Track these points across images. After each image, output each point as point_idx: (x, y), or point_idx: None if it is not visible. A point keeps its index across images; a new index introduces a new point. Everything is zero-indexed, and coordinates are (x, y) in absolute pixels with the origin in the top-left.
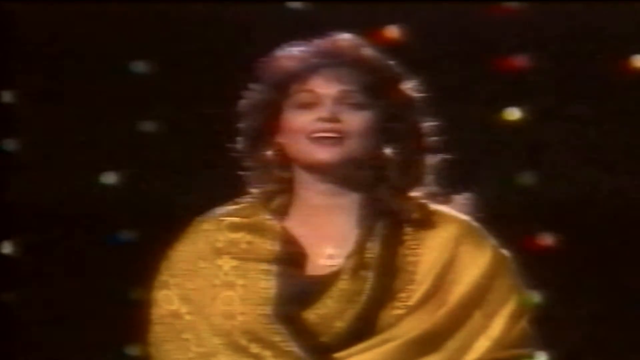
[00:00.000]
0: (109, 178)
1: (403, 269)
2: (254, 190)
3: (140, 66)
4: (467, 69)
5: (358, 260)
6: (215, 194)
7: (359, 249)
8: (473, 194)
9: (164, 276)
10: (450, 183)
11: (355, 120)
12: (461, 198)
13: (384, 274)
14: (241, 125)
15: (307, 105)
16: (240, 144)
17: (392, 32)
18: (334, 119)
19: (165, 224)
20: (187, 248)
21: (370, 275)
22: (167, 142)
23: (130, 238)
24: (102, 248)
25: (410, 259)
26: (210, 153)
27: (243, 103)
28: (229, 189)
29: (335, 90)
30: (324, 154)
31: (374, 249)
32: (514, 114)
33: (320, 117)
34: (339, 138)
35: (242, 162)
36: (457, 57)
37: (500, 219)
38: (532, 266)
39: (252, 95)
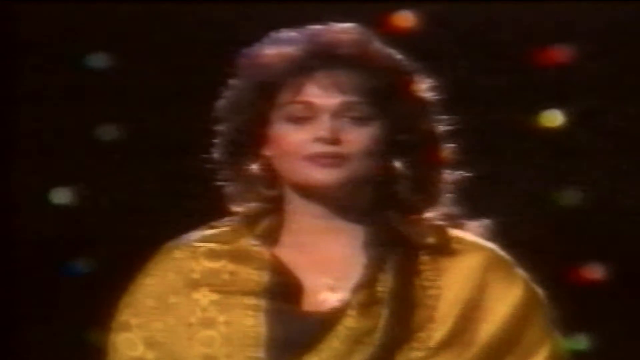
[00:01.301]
0: (61, 196)
1: (421, 305)
2: (234, 211)
3: (98, 60)
4: (496, 64)
5: (368, 293)
6: (189, 215)
7: (369, 280)
8: (493, 219)
9: (124, 316)
10: (473, 202)
11: (360, 137)
12: (476, 225)
13: (399, 310)
14: (219, 130)
15: (300, 120)
16: (217, 153)
17: (404, 18)
18: (334, 140)
19: (128, 251)
20: (154, 281)
21: (384, 311)
22: (131, 152)
23: (86, 268)
24: (53, 280)
25: (430, 292)
26: (182, 165)
27: (221, 104)
28: (205, 209)
29: (336, 101)
30: (321, 175)
31: (386, 280)
32: (553, 117)
33: (318, 137)
34: (340, 160)
35: (220, 176)
36: (483, 49)
37: (535, 246)
38: (575, 303)
39: (232, 94)
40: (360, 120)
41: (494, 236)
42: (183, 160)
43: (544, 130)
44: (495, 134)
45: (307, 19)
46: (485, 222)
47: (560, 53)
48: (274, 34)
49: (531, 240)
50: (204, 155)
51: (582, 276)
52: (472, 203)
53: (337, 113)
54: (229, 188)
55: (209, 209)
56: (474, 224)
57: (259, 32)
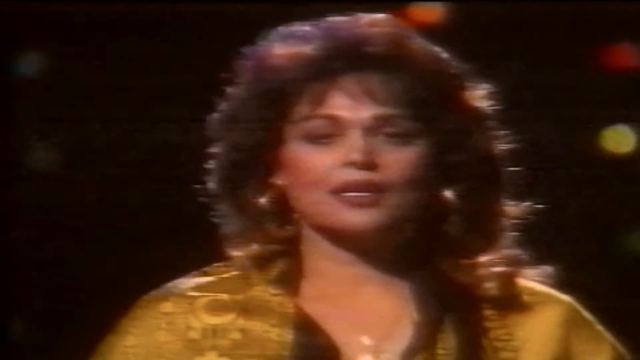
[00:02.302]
0: None
1: None
2: (236, 254)
3: (26, 65)
4: (559, 69)
5: (428, 357)
6: (174, 258)
7: (427, 341)
8: (556, 266)
9: None
10: (533, 243)
11: (400, 160)
12: (535, 273)
13: None
14: (214, 152)
15: (322, 139)
16: (213, 182)
17: (434, 11)
18: (369, 164)
19: (92, 306)
20: (138, 341)
21: None
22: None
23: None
24: None
25: (504, 355)
26: (165, 196)
27: (215, 119)
28: (195, 252)
29: (368, 114)
30: (355, 218)
31: (447, 341)
32: (621, 136)
33: (349, 161)
34: (378, 194)
35: (215, 211)
36: (533, 50)
37: (599, 298)
38: None
39: (230, 106)
40: (400, 139)
41: (558, 288)
42: (165, 191)
43: (608, 152)
44: (546, 158)
45: (310, 16)
46: (547, 269)
47: (630, 54)
48: (283, 29)
49: (594, 292)
50: (194, 185)
51: None
52: (533, 244)
53: (371, 129)
54: (227, 226)
55: (199, 251)
56: (532, 272)
57: (259, 27)
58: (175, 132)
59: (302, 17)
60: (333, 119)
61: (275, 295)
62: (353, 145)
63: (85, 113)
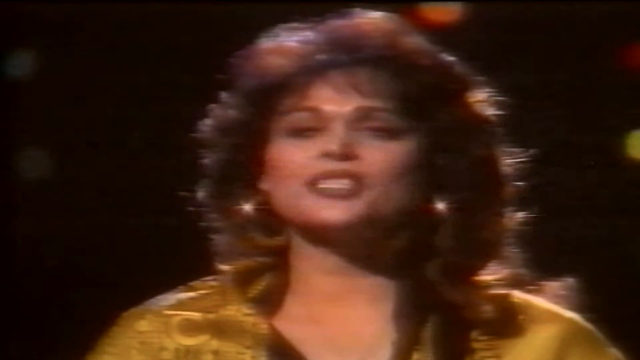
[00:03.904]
0: None
1: None
2: (224, 267)
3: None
4: (573, 68)
5: None
6: (160, 272)
7: None
8: (579, 278)
9: None
10: (543, 258)
11: (383, 154)
12: (558, 286)
13: None
14: (205, 159)
15: (305, 131)
16: (202, 190)
17: (449, 10)
18: (347, 154)
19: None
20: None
21: None
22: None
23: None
24: None
25: None
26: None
27: (207, 124)
28: (183, 264)
29: (351, 107)
30: (330, 211)
31: None
32: None
33: (326, 152)
34: (356, 185)
35: (205, 220)
36: (552, 49)
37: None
38: None
39: (223, 111)
40: (385, 133)
41: (584, 301)
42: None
43: (632, 160)
44: (564, 164)
45: (312, 15)
46: (569, 281)
47: None
48: (277, 27)
49: (616, 308)
50: (182, 192)
51: None
52: (542, 259)
53: (354, 122)
54: (216, 237)
55: (188, 263)
56: (553, 285)
57: (252, 29)
58: (172, 133)
59: (304, 17)
60: (316, 111)
61: (248, 315)
62: (332, 137)
63: (81, 113)
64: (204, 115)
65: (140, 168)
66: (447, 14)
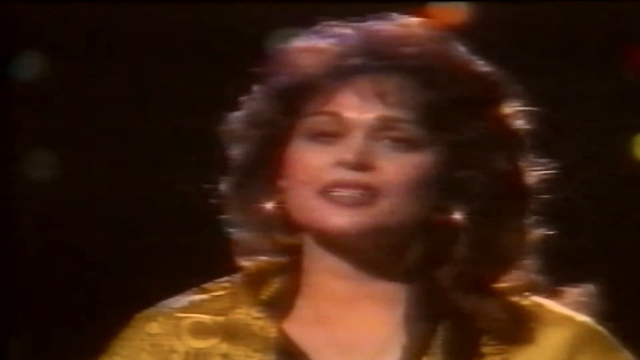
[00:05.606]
0: None
1: None
2: (243, 263)
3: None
4: (584, 71)
5: None
6: (173, 273)
7: None
8: (597, 285)
9: None
10: (561, 267)
11: (400, 166)
12: (577, 293)
13: None
14: (231, 153)
15: (324, 136)
16: (226, 185)
17: (458, 11)
18: (363, 164)
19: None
20: None
21: None
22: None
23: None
24: None
25: None
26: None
27: (237, 116)
28: (198, 264)
29: (373, 115)
30: (339, 218)
31: None
32: None
33: (342, 160)
34: (368, 196)
35: (228, 217)
36: (561, 51)
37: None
38: None
39: (253, 104)
40: (405, 144)
41: (602, 307)
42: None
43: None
44: (588, 176)
45: (335, 17)
46: (588, 287)
47: None
48: (308, 28)
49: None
50: (206, 185)
51: None
52: (560, 268)
53: (375, 131)
54: (238, 234)
55: (205, 263)
56: (573, 291)
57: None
58: (174, 133)
59: (327, 18)
60: (337, 117)
61: (257, 318)
62: (350, 145)
63: (83, 114)
64: (205, 115)
65: (142, 168)
66: (457, 14)
